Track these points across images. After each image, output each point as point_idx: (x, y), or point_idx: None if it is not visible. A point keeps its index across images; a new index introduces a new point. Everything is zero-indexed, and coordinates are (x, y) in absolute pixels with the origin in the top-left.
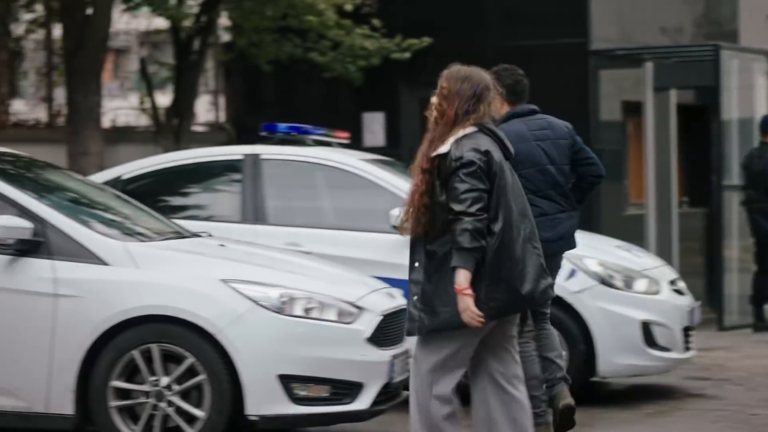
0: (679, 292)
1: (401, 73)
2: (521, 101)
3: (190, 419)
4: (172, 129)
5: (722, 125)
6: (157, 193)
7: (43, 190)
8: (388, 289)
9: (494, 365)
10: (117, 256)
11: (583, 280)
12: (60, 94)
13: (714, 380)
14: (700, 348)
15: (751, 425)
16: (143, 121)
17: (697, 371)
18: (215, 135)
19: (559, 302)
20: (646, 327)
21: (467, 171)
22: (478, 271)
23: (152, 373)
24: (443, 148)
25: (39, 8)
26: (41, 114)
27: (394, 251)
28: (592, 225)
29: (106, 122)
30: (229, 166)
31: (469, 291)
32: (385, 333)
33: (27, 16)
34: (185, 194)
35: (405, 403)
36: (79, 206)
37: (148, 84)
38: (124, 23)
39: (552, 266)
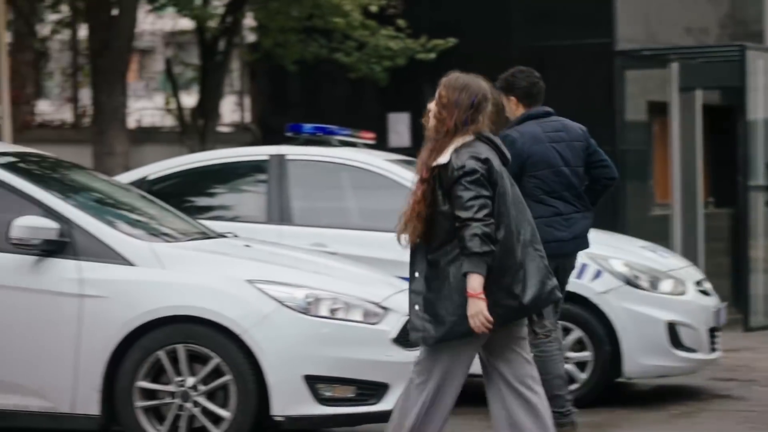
0: (704, 292)
1: (426, 74)
2: (537, 103)
3: (216, 420)
4: (197, 129)
5: (748, 125)
6: (182, 193)
7: (68, 190)
8: None
9: (505, 369)
10: (143, 257)
11: (609, 281)
12: (85, 95)
13: (740, 381)
14: (725, 349)
15: None
16: (168, 121)
17: (722, 372)
18: (240, 135)
19: (585, 303)
20: (671, 328)
21: (471, 179)
22: (487, 277)
23: (178, 373)
24: (443, 159)
25: (64, 9)
26: (67, 114)
27: None
28: (617, 225)
29: (131, 123)
30: (255, 167)
31: (483, 295)
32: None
33: (52, 17)
34: (211, 195)
35: None
36: (105, 206)
37: (173, 84)
38: (150, 24)
39: (567, 266)
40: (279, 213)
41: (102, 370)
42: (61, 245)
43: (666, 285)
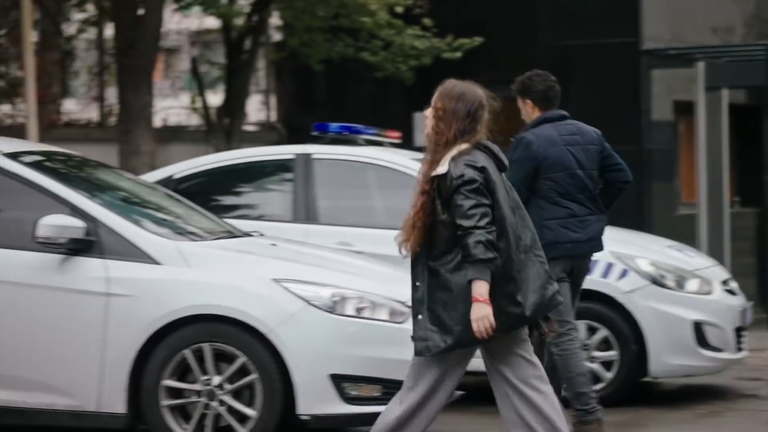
0: (731, 292)
1: (452, 73)
2: (552, 107)
3: (242, 418)
4: (223, 128)
5: None
6: (208, 192)
7: (95, 189)
8: None
9: (508, 371)
10: (169, 256)
11: (635, 280)
12: (111, 94)
13: (766, 381)
14: (752, 348)
15: None
16: (194, 120)
17: (749, 371)
18: (266, 134)
19: (611, 302)
20: (698, 327)
21: (470, 188)
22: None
23: (204, 372)
24: (441, 169)
25: (90, 8)
26: (93, 113)
27: None
28: (643, 225)
29: (157, 122)
30: (281, 166)
31: (489, 301)
32: None
33: (78, 16)
34: (237, 194)
35: (456, 403)
36: (131, 205)
37: (199, 83)
38: (176, 23)
39: (582, 267)
40: (305, 212)
41: (128, 368)
42: (87, 244)
43: (692, 284)
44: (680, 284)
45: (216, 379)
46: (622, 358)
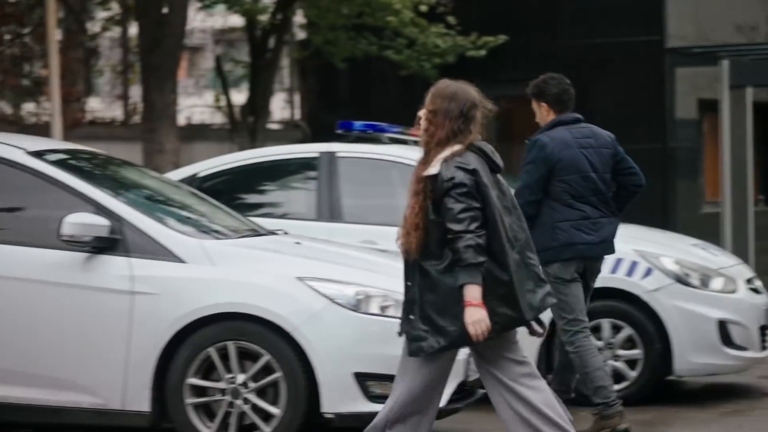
0: (755, 290)
1: (477, 71)
2: (567, 110)
3: (266, 417)
4: (247, 127)
5: None
6: (233, 190)
7: (119, 187)
8: None
9: (498, 373)
10: (193, 254)
11: (660, 279)
12: (135, 92)
13: None
14: None
15: None
16: (218, 118)
17: None
18: (290, 133)
19: (635, 300)
20: (722, 326)
21: (460, 191)
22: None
23: (228, 370)
24: (432, 170)
25: (115, 6)
26: (117, 112)
27: None
28: (668, 223)
29: (181, 120)
30: (305, 164)
31: (483, 305)
32: None
33: (103, 14)
34: (261, 192)
35: (480, 402)
36: (156, 204)
37: (223, 82)
38: (200, 21)
39: (594, 269)
40: (329, 210)
41: (153, 366)
42: (112, 242)
43: (717, 283)
44: (705, 283)
45: (240, 378)
46: (647, 357)
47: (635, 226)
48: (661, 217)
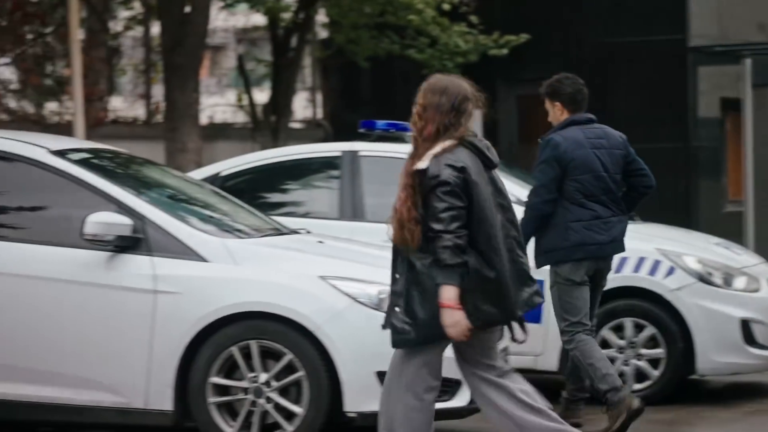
0: None
1: (499, 70)
2: (580, 110)
3: (289, 415)
4: (269, 126)
5: None
6: (255, 189)
7: (142, 186)
8: None
9: (479, 372)
10: (216, 253)
11: (682, 278)
12: (158, 91)
13: None
14: None
15: None
16: (240, 118)
17: None
18: (312, 132)
19: (658, 299)
20: (745, 325)
21: (444, 190)
22: (464, 283)
23: (251, 369)
24: (422, 164)
25: (137, 5)
26: (139, 111)
27: None
28: (690, 222)
29: (203, 119)
30: (327, 163)
31: (458, 306)
32: None
33: (125, 13)
34: (283, 191)
35: None
36: (178, 203)
37: (245, 81)
38: (222, 20)
39: (604, 269)
40: (352, 209)
41: (175, 365)
42: (134, 241)
43: (740, 282)
44: (728, 281)
45: (263, 377)
46: (669, 356)
47: (658, 225)
48: (683, 216)
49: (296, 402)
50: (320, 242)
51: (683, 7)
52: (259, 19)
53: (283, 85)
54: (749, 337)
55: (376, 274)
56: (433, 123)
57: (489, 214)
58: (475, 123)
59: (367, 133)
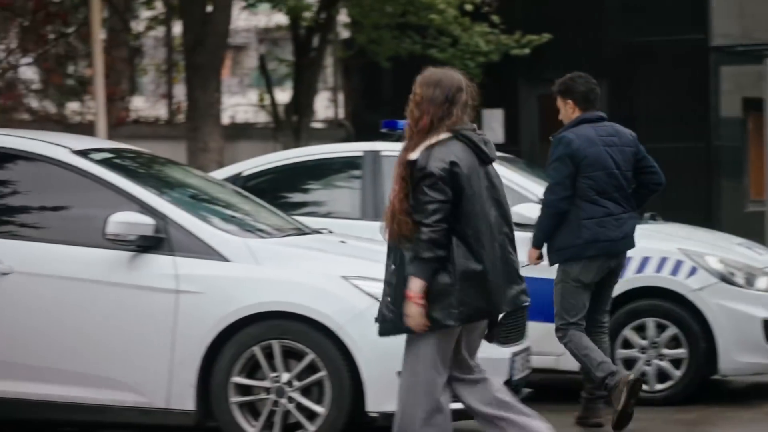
0: None
1: (521, 70)
2: (592, 108)
3: (311, 415)
4: (291, 126)
5: None
6: (277, 189)
7: (164, 186)
8: None
9: (455, 372)
10: (237, 253)
11: (704, 278)
12: (179, 91)
13: None
14: None
15: None
16: (262, 117)
17: None
18: (334, 132)
19: (680, 300)
20: (767, 325)
21: (428, 183)
22: (449, 276)
23: (273, 369)
24: (414, 155)
25: (159, 5)
26: (161, 110)
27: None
28: (712, 222)
29: (225, 119)
30: (349, 163)
31: (421, 300)
32: (505, 330)
33: (147, 13)
34: (305, 191)
35: (525, 401)
36: (200, 202)
37: (267, 81)
38: (244, 20)
39: (616, 265)
40: (373, 209)
41: (197, 365)
42: (156, 241)
43: (762, 282)
44: (750, 281)
45: (285, 376)
46: (691, 356)
47: (680, 225)
48: (705, 216)
49: (318, 402)
50: (342, 242)
51: (705, 7)
52: (280, 18)
53: (304, 85)
54: None
55: None
56: (427, 115)
57: (479, 209)
58: (496, 121)
59: (389, 133)
